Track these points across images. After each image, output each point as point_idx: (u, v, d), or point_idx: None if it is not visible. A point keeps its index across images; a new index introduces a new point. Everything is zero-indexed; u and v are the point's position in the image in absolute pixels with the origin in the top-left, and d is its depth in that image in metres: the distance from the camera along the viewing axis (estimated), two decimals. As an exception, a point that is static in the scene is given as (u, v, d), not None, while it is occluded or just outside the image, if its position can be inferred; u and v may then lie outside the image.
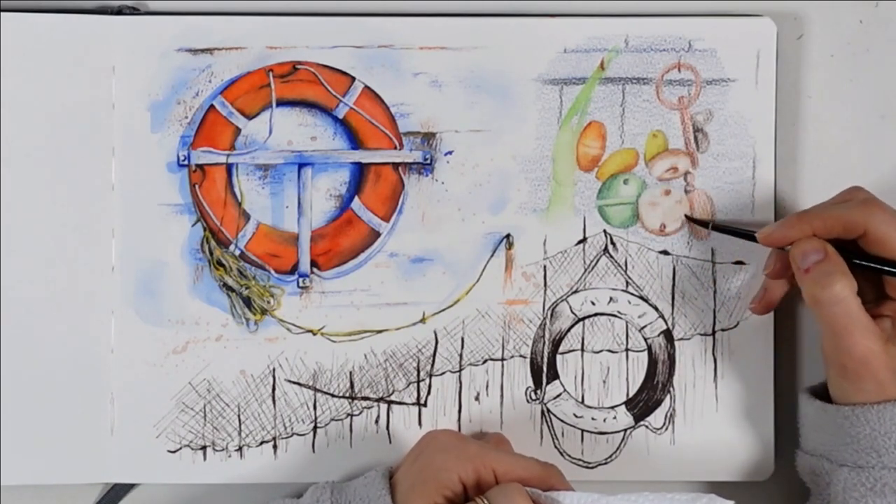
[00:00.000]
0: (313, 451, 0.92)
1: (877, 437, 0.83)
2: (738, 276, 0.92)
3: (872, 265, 0.85)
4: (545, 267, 0.92)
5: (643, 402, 0.93)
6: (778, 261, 0.89)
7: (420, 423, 0.92)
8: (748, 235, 0.89)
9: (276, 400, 0.91)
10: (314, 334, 0.92)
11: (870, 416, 0.83)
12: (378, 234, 0.92)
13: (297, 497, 0.87)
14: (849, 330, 0.83)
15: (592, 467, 0.93)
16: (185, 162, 0.91)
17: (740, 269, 0.92)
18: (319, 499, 0.85)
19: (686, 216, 0.92)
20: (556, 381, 0.93)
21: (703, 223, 0.92)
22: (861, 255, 0.85)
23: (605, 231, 0.92)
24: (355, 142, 0.91)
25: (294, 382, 0.92)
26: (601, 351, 0.93)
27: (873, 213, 0.84)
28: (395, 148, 0.91)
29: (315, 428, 0.92)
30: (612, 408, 0.93)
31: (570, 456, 0.93)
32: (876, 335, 0.83)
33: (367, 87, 0.91)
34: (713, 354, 0.93)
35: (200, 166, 0.91)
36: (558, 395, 0.93)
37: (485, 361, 0.92)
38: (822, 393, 0.88)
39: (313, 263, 0.91)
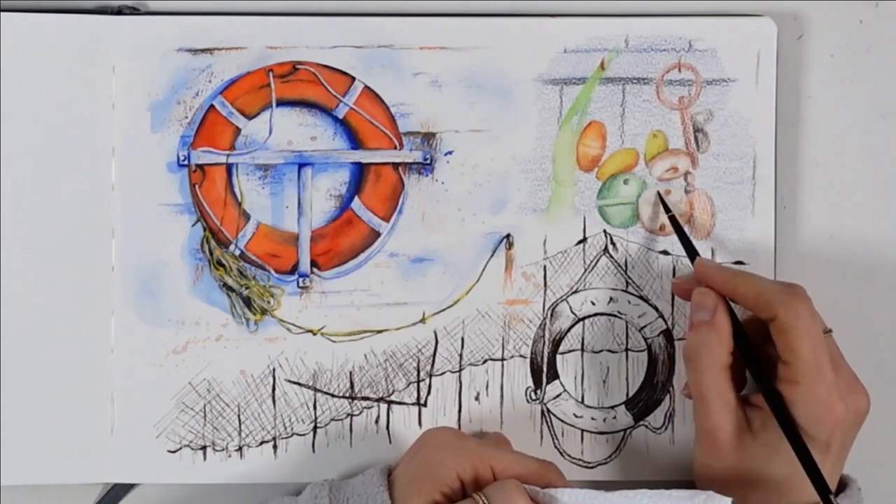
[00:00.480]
0: (313, 451, 0.92)
1: None
2: (738, 276, 0.92)
3: (747, 362, 0.86)
4: (545, 267, 0.92)
5: (643, 402, 0.93)
6: (689, 285, 0.90)
7: (420, 423, 0.92)
8: (689, 253, 0.90)
9: (276, 400, 0.91)
10: (314, 334, 0.92)
11: None
12: (378, 234, 0.92)
13: (297, 495, 0.87)
14: (706, 400, 0.85)
15: (592, 467, 0.93)
16: (185, 162, 0.91)
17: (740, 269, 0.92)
18: (318, 496, 0.85)
19: (658, 192, 0.92)
20: (556, 381, 0.93)
21: (666, 209, 0.92)
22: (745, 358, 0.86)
23: (605, 231, 0.92)
24: (355, 142, 0.91)
25: (294, 382, 0.92)
26: (601, 351, 0.93)
27: (791, 303, 0.84)
28: (395, 148, 0.91)
29: (315, 428, 0.92)
30: (612, 407, 0.93)
31: (569, 456, 0.93)
32: (733, 416, 0.84)
33: (367, 87, 0.91)
34: (713, 354, 0.93)
35: (200, 166, 0.91)
36: (558, 395, 0.93)
37: (485, 361, 0.92)
38: None
39: (313, 263, 0.91)
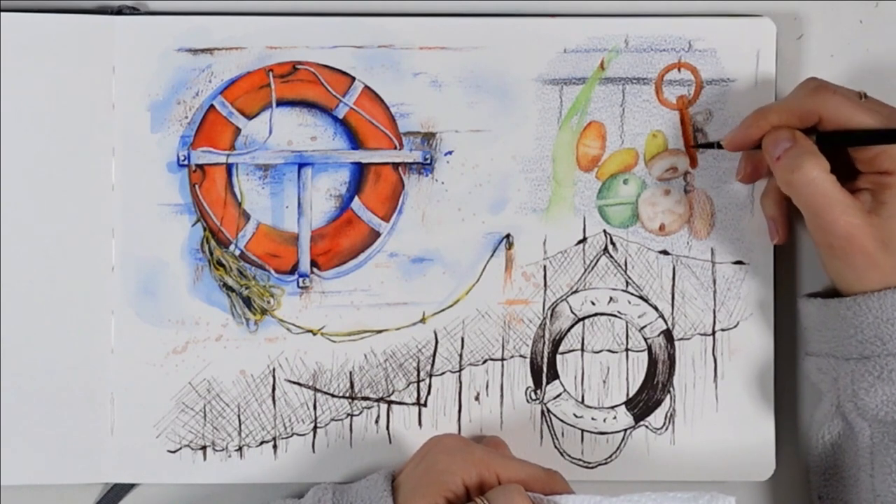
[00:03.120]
0: (313, 451, 0.92)
1: (880, 324, 0.84)
2: (738, 275, 0.92)
3: (837, 140, 0.85)
4: (545, 267, 0.92)
5: (643, 402, 0.93)
6: (748, 163, 0.90)
7: (420, 424, 0.92)
8: (715, 145, 0.90)
9: (276, 400, 0.91)
10: (314, 334, 0.92)
11: (871, 303, 0.84)
12: (378, 234, 0.92)
13: (299, 498, 0.87)
14: (827, 208, 0.84)
15: (592, 467, 0.93)
16: (185, 162, 0.91)
17: (740, 269, 0.92)
18: (321, 499, 0.85)
19: (687, 145, 0.92)
20: (556, 381, 0.93)
21: (712, 144, 0.92)
22: (834, 137, 0.86)
23: (604, 231, 0.92)
24: (355, 142, 0.91)
25: (294, 382, 0.92)
26: (601, 351, 0.93)
27: (824, 97, 0.85)
28: (395, 148, 0.91)
29: (315, 428, 0.92)
30: (612, 408, 0.93)
31: (570, 456, 0.93)
32: (855, 209, 0.84)
33: (367, 87, 0.91)
34: (713, 354, 0.93)
35: (200, 166, 0.91)
36: (558, 395, 0.93)
37: (485, 361, 0.92)
38: (821, 296, 0.88)
39: (313, 263, 0.91)
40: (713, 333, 0.93)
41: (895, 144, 0.84)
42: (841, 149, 0.86)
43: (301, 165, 0.91)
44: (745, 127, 0.88)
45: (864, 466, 0.86)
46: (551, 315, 0.93)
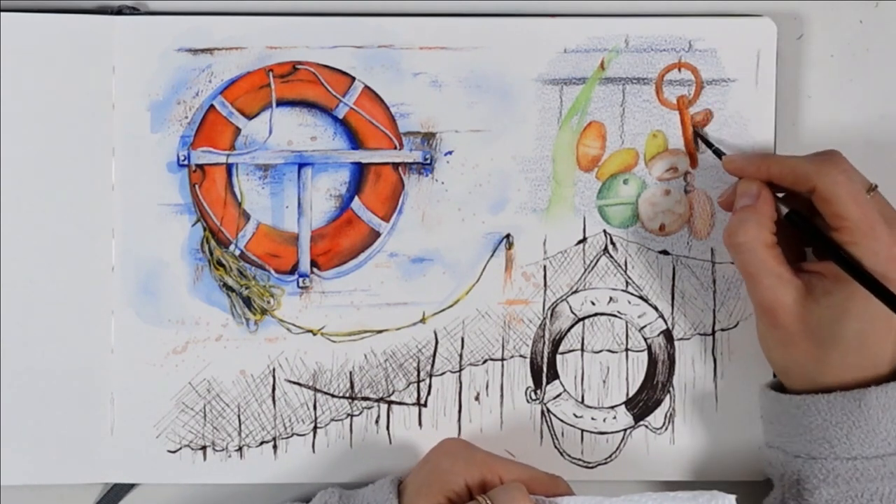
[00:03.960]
0: (313, 451, 0.92)
1: (828, 427, 0.83)
2: (738, 275, 0.92)
3: (804, 229, 0.85)
4: (545, 267, 0.92)
5: (643, 402, 0.93)
6: (733, 193, 0.89)
7: (420, 424, 0.92)
8: (718, 153, 0.90)
9: (276, 400, 0.91)
10: (314, 334, 0.92)
11: (820, 405, 0.83)
12: (378, 234, 0.92)
13: (305, 501, 0.88)
14: (756, 277, 0.84)
15: (592, 467, 0.93)
16: (185, 162, 0.91)
17: (740, 269, 0.93)
18: (327, 502, 0.85)
19: (694, 131, 0.92)
20: (556, 381, 0.93)
21: (711, 144, 0.92)
22: (801, 222, 0.85)
23: (604, 231, 0.92)
24: (355, 142, 0.91)
25: (294, 382, 0.92)
26: (601, 351, 0.93)
27: (827, 171, 0.83)
28: (395, 148, 0.91)
29: (315, 428, 0.92)
30: (612, 408, 0.93)
31: (569, 456, 0.93)
32: (789, 284, 0.83)
33: (367, 87, 0.91)
34: (713, 354, 0.93)
35: (200, 166, 0.91)
36: (558, 395, 0.93)
37: (485, 361, 0.92)
38: (780, 386, 0.88)
39: (313, 263, 0.91)
40: (713, 333, 0.93)
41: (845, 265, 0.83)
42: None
43: (301, 165, 0.91)
44: (748, 162, 0.88)
45: None
46: (551, 315, 0.93)
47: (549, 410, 0.93)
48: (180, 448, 0.91)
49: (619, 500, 0.82)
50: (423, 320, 0.92)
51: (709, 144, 0.91)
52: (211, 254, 0.91)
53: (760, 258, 0.84)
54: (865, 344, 0.83)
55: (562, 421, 0.93)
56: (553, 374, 0.93)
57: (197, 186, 0.91)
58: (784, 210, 0.86)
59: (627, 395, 0.93)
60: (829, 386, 0.84)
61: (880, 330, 0.83)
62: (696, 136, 0.92)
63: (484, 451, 0.87)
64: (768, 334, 0.86)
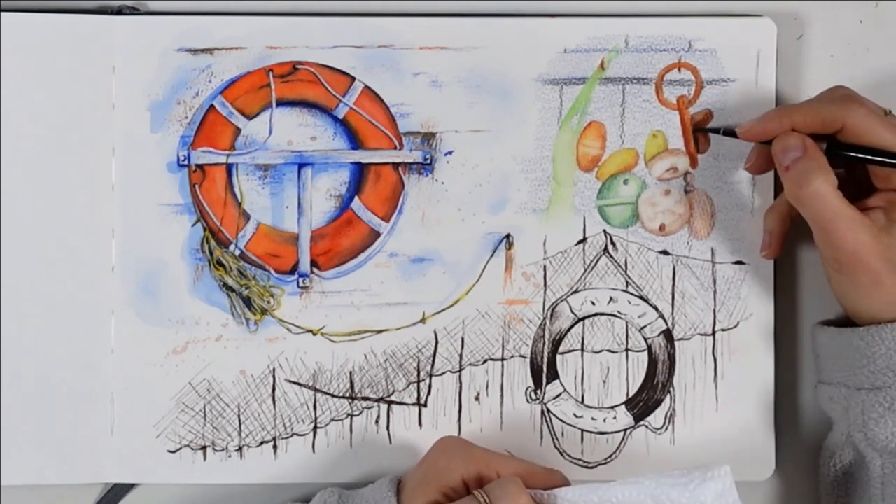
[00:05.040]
0: (313, 451, 0.92)
1: (892, 355, 0.83)
2: (738, 276, 0.92)
3: (855, 155, 0.85)
4: (545, 267, 0.92)
5: (643, 402, 0.93)
6: (759, 155, 0.89)
7: (420, 424, 0.92)
8: (729, 132, 0.90)
9: (276, 400, 0.91)
10: (314, 334, 0.92)
11: (884, 334, 0.83)
12: (378, 234, 0.92)
13: (305, 502, 0.88)
14: (834, 224, 0.83)
15: (592, 467, 0.93)
16: (185, 162, 0.91)
17: (740, 269, 0.92)
18: (327, 501, 0.85)
19: (694, 129, 0.92)
20: (556, 381, 0.93)
21: (717, 129, 0.92)
22: (845, 148, 0.85)
23: (604, 231, 0.92)
24: (355, 142, 0.91)
25: (294, 382, 0.92)
26: (601, 351, 0.93)
27: (851, 107, 0.84)
28: (395, 148, 0.91)
29: (315, 428, 0.92)
30: (612, 408, 0.93)
31: (569, 456, 0.93)
32: (864, 226, 0.83)
33: (367, 87, 0.91)
34: (713, 354, 0.93)
35: (200, 166, 0.91)
36: (558, 395, 0.93)
37: (485, 361, 0.92)
38: (835, 324, 0.88)
39: (313, 263, 0.91)
40: (713, 333, 0.93)
41: None
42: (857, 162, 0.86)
43: (301, 165, 0.91)
44: (766, 120, 0.87)
45: (875, 497, 0.85)
46: (551, 315, 0.93)
47: (549, 410, 0.93)
48: (180, 448, 0.91)
49: (615, 483, 0.82)
50: (423, 320, 0.92)
51: (715, 131, 0.91)
52: (211, 254, 0.91)
53: (835, 203, 0.83)
54: None
55: (562, 421, 0.93)
56: (553, 374, 0.93)
57: (197, 186, 0.91)
58: (823, 147, 0.85)
59: (627, 395, 0.93)
60: (885, 306, 0.84)
61: None
62: (700, 134, 0.92)
63: (481, 447, 0.86)
64: (851, 281, 0.85)
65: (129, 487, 0.92)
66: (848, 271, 0.84)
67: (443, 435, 0.91)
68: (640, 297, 0.93)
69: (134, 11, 0.91)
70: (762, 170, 0.90)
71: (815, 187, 0.83)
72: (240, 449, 0.91)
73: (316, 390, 0.92)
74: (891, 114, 0.85)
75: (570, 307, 0.93)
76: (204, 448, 0.91)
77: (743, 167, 0.91)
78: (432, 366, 0.92)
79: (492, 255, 0.92)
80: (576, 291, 0.93)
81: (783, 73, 0.93)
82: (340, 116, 0.91)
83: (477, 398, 0.92)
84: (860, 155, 0.85)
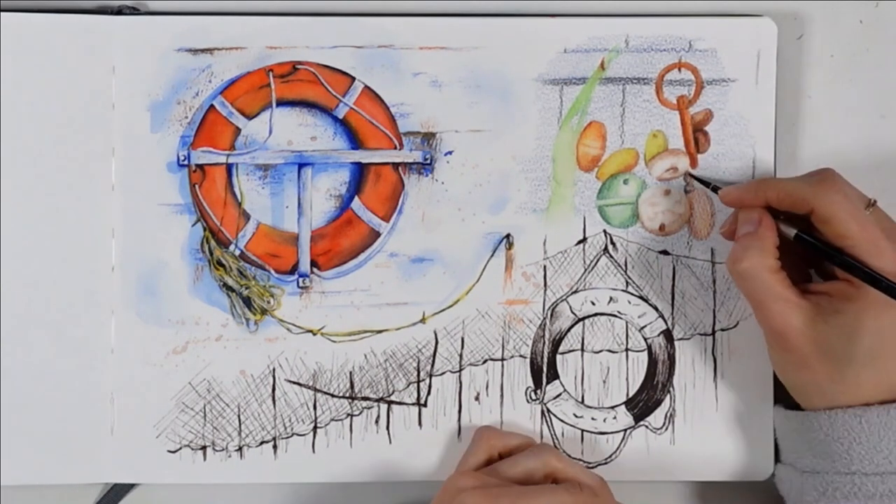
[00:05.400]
0: (313, 451, 0.92)
1: (829, 442, 0.84)
2: (738, 276, 0.92)
3: (817, 246, 0.84)
4: (545, 267, 0.92)
5: (643, 402, 0.93)
6: (734, 223, 0.89)
7: (420, 424, 0.92)
8: (714, 189, 0.90)
9: (276, 400, 0.91)
10: (314, 334, 0.92)
11: (821, 420, 0.84)
12: (378, 234, 0.92)
13: None
14: (764, 303, 0.84)
15: (592, 467, 0.93)
16: (185, 162, 0.91)
17: (740, 269, 0.92)
18: None
19: (685, 176, 0.92)
20: (556, 381, 0.93)
21: (707, 183, 0.91)
22: (809, 240, 0.85)
23: (605, 231, 0.92)
24: (355, 142, 0.91)
25: (294, 382, 0.92)
26: (601, 351, 0.93)
27: (824, 192, 0.83)
28: (395, 148, 0.91)
29: (315, 428, 0.92)
30: (612, 408, 0.93)
31: (570, 456, 0.93)
32: (797, 308, 0.83)
33: (367, 87, 0.91)
34: (713, 354, 0.93)
35: (200, 166, 0.91)
36: (558, 395, 0.93)
37: (485, 361, 0.92)
38: (793, 403, 0.88)
39: (313, 263, 0.91)
40: (713, 333, 0.93)
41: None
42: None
43: (301, 165, 0.91)
44: (744, 191, 0.87)
45: None
46: (551, 315, 0.93)
47: (549, 410, 0.93)
48: (180, 448, 0.91)
49: None
50: (423, 320, 0.92)
51: (704, 183, 0.91)
52: (211, 254, 0.91)
53: (767, 284, 0.84)
54: (878, 360, 0.83)
55: (562, 421, 0.93)
56: (553, 375, 0.93)
57: (197, 186, 0.91)
58: (791, 232, 0.85)
59: (627, 395, 0.93)
60: (847, 405, 0.84)
61: (893, 345, 0.83)
62: (690, 178, 0.92)
63: (496, 483, 0.86)
64: (781, 358, 0.86)
65: (129, 487, 0.92)
66: (776, 350, 0.85)
67: (443, 435, 0.91)
68: (640, 297, 0.93)
69: (134, 11, 0.91)
70: (732, 237, 0.89)
71: (745, 266, 0.84)
72: (240, 449, 0.91)
73: (316, 390, 0.92)
74: (874, 205, 0.84)
75: (570, 307, 0.93)
76: (204, 448, 0.91)
77: (719, 230, 0.91)
78: (432, 366, 0.92)
79: (492, 255, 0.92)
80: (576, 291, 0.93)
81: (783, 73, 0.93)
82: (340, 116, 0.91)
83: (477, 398, 0.92)
84: (822, 248, 0.84)
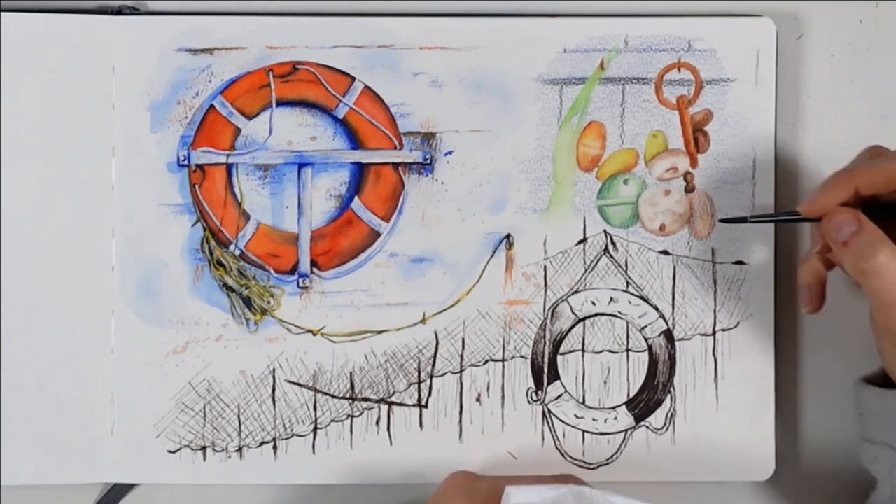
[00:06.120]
0: (313, 452, 0.92)
1: None
2: (739, 275, 0.92)
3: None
4: (545, 267, 0.92)
5: (644, 403, 0.93)
6: (820, 240, 0.86)
7: (421, 425, 0.92)
8: (790, 215, 0.87)
9: (276, 400, 0.91)
10: (314, 334, 0.92)
11: None
12: (378, 234, 0.92)
13: None
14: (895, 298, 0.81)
15: (593, 468, 0.93)
16: (185, 162, 0.91)
17: (740, 269, 0.92)
18: None
19: (720, 220, 0.91)
20: (557, 382, 0.93)
21: (741, 219, 0.90)
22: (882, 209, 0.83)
23: (605, 231, 0.92)
24: (355, 142, 0.92)
25: (294, 383, 0.92)
26: (602, 351, 0.93)
27: None
28: (395, 148, 0.92)
29: (315, 429, 0.92)
30: (613, 408, 0.93)
31: (571, 457, 0.93)
32: None
33: (367, 87, 0.91)
34: (713, 354, 0.93)
35: (200, 166, 0.91)
36: (559, 396, 0.93)
37: (485, 362, 0.92)
38: (877, 381, 0.86)
39: (313, 263, 0.91)
40: (713, 333, 0.93)
41: None
42: None
43: (301, 165, 0.91)
44: (828, 190, 0.84)
45: None
46: (552, 315, 0.92)
47: (550, 411, 0.93)
48: (180, 448, 0.91)
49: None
50: (423, 321, 0.92)
51: (741, 220, 0.89)
52: (211, 254, 0.91)
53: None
54: None
55: (563, 422, 0.93)
56: (554, 375, 0.93)
57: (197, 186, 0.91)
58: None
59: (628, 395, 0.93)
60: None
61: None
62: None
63: (489, 479, 0.86)
64: None
65: (129, 487, 0.92)
66: None
67: (444, 436, 0.91)
68: (641, 298, 0.93)
69: (134, 11, 0.91)
70: (820, 306, 0.87)
71: (881, 261, 0.81)
72: (240, 449, 0.91)
73: (316, 391, 0.92)
74: None
75: (571, 307, 0.93)
76: (204, 448, 0.91)
77: (802, 310, 0.88)
78: (433, 366, 0.92)
79: (492, 256, 0.92)
80: (576, 292, 0.93)
81: (783, 73, 0.93)
82: (340, 116, 0.91)
83: (478, 399, 0.92)
84: None
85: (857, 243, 0.82)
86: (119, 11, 0.90)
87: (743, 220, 0.89)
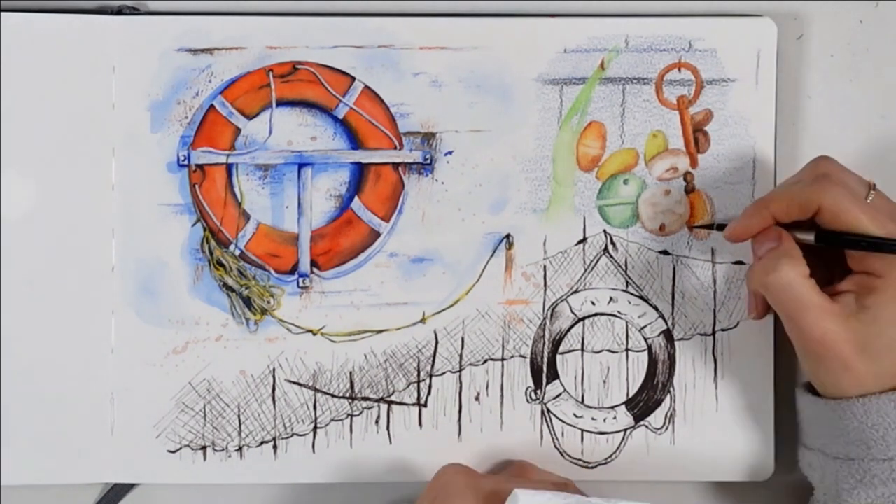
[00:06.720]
0: (313, 451, 0.92)
1: (864, 429, 0.83)
2: (738, 276, 0.92)
3: (836, 242, 0.84)
4: (545, 267, 0.92)
5: (643, 403, 0.93)
6: (757, 300, 0.88)
7: (420, 424, 0.92)
8: (719, 228, 0.90)
9: (276, 400, 0.91)
10: (314, 334, 0.92)
11: (855, 409, 0.83)
12: (378, 234, 0.92)
13: None
14: (801, 312, 0.83)
15: (592, 467, 0.93)
16: (185, 162, 0.91)
17: (740, 269, 0.92)
18: None
19: (687, 225, 0.92)
20: (556, 381, 0.93)
21: (710, 225, 0.92)
22: (834, 238, 0.84)
23: (605, 231, 0.92)
24: (355, 142, 0.91)
25: (294, 382, 0.92)
26: (601, 351, 0.93)
27: (824, 189, 0.83)
28: (395, 148, 0.91)
29: (315, 428, 0.92)
30: (612, 408, 0.93)
31: (570, 456, 0.93)
32: (832, 314, 0.82)
33: (367, 87, 0.91)
34: (713, 354, 0.93)
35: (200, 166, 0.91)
36: (558, 395, 0.93)
37: (485, 361, 0.92)
38: (813, 388, 0.87)
39: (313, 263, 0.91)
40: (713, 333, 0.93)
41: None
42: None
43: (301, 165, 0.91)
44: (747, 217, 0.86)
45: None
46: (551, 315, 0.92)
47: (549, 411, 0.93)
48: (180, 448, 0.91)
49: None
50: (423, 320, 0.92)
51: (709, 227, 0.91)
52: (211, 254, 0.91)
53: (802, 292, 0.82)
54: None
55: (562, 421, 0.93)
56: (553, 375, 0.93)
57: (197, 186, 0.91)
58: (809, 237, 0.84)
59: (628, 395, 0.93)
60: (880, 391, 0.83)
61: None
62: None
63: (490, 478, 0.86)
64: (820, 367, 0.84)
65: (129, 487, 0.92)
66: (817, 359, 0.84)
67: (444, 435, 0.91)
68: (641, 297, 0.93)
69: (134, 11, 0.91)
70: (765, 312, 0.88)
71: (781, 275, 0.83)
72: (240, 449, 0.91)
73: (316, 390, 0.92)
74: (874, 189, 0.84)
75: (570, 307, 0.93)
76: (204, 448, 0.91)
77: (749, 316, 0.90)
78: (432, 366, 0.92)
79: (492, 255, 0.92)
80: (576, 291, 0.93)
81: (783, 73, 0.93)
82: (340, 116, 0.91)
83: (477, 398, 0.92)
84: (850, 239, 0.83)
85: (767, 257, 0.84)
86: (119, 11, 0.90)
87: (711, 226, 0.91)
